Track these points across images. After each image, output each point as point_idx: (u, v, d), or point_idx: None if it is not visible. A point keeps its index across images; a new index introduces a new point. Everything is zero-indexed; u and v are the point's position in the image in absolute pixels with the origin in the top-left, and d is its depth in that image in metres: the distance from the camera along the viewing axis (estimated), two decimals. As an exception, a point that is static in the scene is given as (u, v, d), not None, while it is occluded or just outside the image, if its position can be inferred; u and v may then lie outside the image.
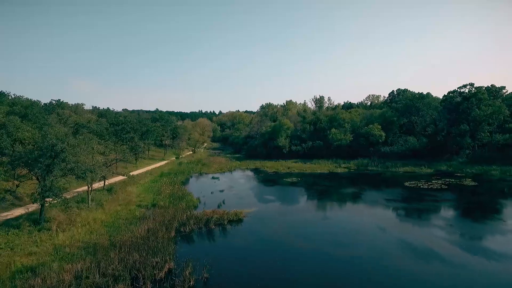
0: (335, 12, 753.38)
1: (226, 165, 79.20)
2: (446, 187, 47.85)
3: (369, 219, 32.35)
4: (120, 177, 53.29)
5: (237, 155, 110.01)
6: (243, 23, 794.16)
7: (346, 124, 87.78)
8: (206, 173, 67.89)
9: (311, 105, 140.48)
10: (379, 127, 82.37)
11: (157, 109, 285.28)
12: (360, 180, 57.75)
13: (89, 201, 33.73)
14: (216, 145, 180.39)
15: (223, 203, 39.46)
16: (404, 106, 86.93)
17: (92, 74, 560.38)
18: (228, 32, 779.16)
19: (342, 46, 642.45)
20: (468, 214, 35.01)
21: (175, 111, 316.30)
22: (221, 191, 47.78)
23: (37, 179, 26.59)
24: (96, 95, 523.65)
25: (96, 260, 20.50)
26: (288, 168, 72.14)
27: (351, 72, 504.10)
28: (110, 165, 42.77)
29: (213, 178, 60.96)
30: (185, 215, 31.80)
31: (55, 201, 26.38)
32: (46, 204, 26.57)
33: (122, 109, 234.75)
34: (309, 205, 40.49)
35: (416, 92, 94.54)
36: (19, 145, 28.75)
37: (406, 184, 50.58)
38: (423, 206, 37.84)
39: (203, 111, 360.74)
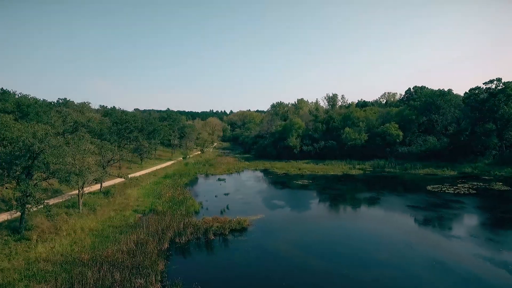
0: (335, 9, 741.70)
1: (234, 165, 76.02)
2: (475, 191, 43.07)
3: (392, 230, 28.38)
4: (122, 179, 50.80)
5: (246, 155, 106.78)
6: (255, 23, 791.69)
7: (361, 123, 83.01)
8: (212, 175, 64.82)
9: (323, 103, 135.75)
10: (396, 126, 77.38)
11: (168, 108, 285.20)
12: (377, 183, 53.42)
13: (80, 206, 31.00)
14: (226, 144, 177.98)
15: (227, 208, 36.16)
16: (423, 103, 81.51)
17: (108, 74, 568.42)
18: (239, 32, 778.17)
19: (355, 45, 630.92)
20: (506, 225, 30.49)
21: (186, 110, 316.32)
22: (226, 194, 44.49)
23: (17, 183, 23.83)
24: (111, 95, 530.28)
25: (70, 280, 17.52)
26: (299, 169, 68.29)
27: (363, 71, 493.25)
28: (106, 166, 40.10)
29: (219, 180, 57.79)
30: (182, 223, 28.65)
31: (35, 209, 23.52)
32: (27, 212, 23.74)
33: (134, 109, 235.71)
34: (321, 212, 36.61)
35: (436, 89, 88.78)
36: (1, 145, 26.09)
37: (429, 188, 46.05)
38: (452, 214, 33.47)
39: (214, 111, 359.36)
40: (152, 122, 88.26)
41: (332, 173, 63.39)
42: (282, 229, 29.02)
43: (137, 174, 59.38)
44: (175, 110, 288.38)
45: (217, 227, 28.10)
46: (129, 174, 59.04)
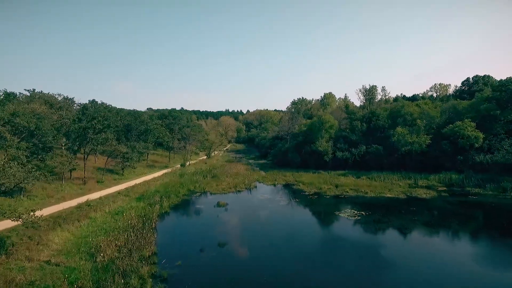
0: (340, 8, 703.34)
1: (245, 178, 56.34)
2: None
3: None
4: (67, 206, 32.47)
5: (262, 161, 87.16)
6: (271, 20, 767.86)
7: (418, 120, 60.69)
8: (211, 193, 45.51)
9: (358, 97, 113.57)
10: (473, 125, 55.09)
11: (182, 108, 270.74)
12: (480, 220, 32.29)
13: None
14: (240, 146, 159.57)
15: (212, 300, 16.55)
16: (510, 93, 58.38)
17: (127, 76, 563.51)
18: (256, 30, 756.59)
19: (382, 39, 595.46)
20: None
21: (201, 110, 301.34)
22: (222, 245, 24.73)
23: None
24: (133, 96, 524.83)
25: None
26: (336, 186, 47.63)
27: (400, 63, 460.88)
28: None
29: (218, 205, 38.25)
30: None
31: None
32: None
33: (147, 108, 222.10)
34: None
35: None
36: None
37: None
38: None
39: (230, 110, 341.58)
40: (143, 121, 70.43)
41: (389, 195, 42.35)
42: None
43: (102, 193, 41.07)
44: (190, 109, 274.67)
45: None
46: (91, 192, 40.92)
